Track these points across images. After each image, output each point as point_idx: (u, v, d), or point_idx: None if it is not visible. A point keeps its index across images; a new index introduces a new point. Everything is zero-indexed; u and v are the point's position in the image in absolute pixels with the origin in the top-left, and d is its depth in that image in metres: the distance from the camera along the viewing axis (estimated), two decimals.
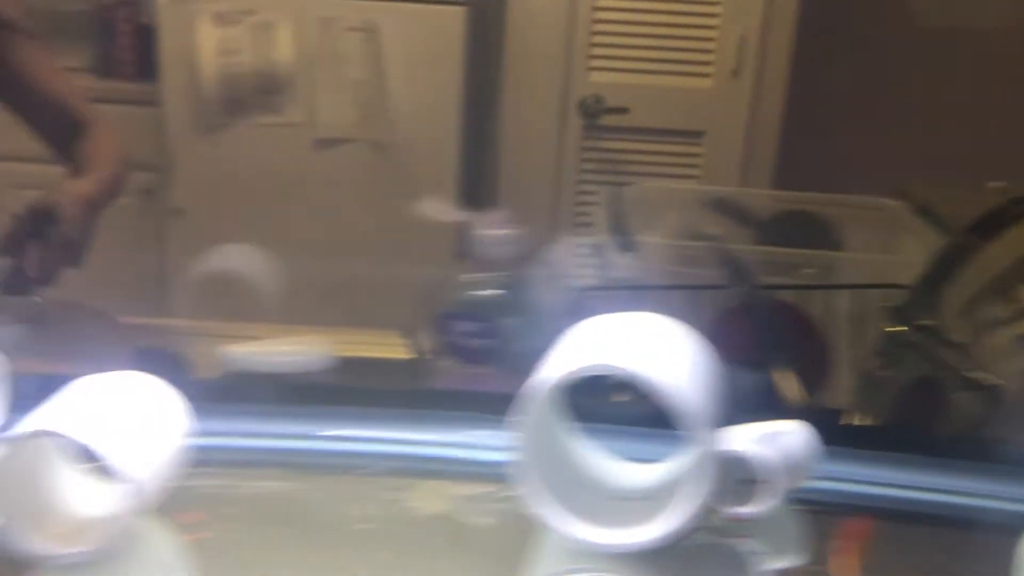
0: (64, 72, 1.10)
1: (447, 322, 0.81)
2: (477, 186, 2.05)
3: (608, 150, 2.06)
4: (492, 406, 0.59)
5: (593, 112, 2.03)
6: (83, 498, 0.54)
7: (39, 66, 1.00)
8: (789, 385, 0.87)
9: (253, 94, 1.96)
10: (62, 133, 1.01)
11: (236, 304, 0.97)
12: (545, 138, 2.05)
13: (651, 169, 2.03)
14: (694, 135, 2.06)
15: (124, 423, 0.52)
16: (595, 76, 2.03)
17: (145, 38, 1.97)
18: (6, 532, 0.48)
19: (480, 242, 0.82)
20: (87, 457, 0.51)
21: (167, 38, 1.92)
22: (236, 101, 1.96)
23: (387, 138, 1.99)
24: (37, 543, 0.49)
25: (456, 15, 1.93)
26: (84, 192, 0.94)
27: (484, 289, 0.81)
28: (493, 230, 0.82)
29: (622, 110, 2.02)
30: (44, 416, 0.50)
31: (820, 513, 0.61)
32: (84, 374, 0.54)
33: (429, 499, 0.63)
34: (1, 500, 0.49)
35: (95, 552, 0.50)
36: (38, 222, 0.76)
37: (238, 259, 1.05)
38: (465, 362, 0.81)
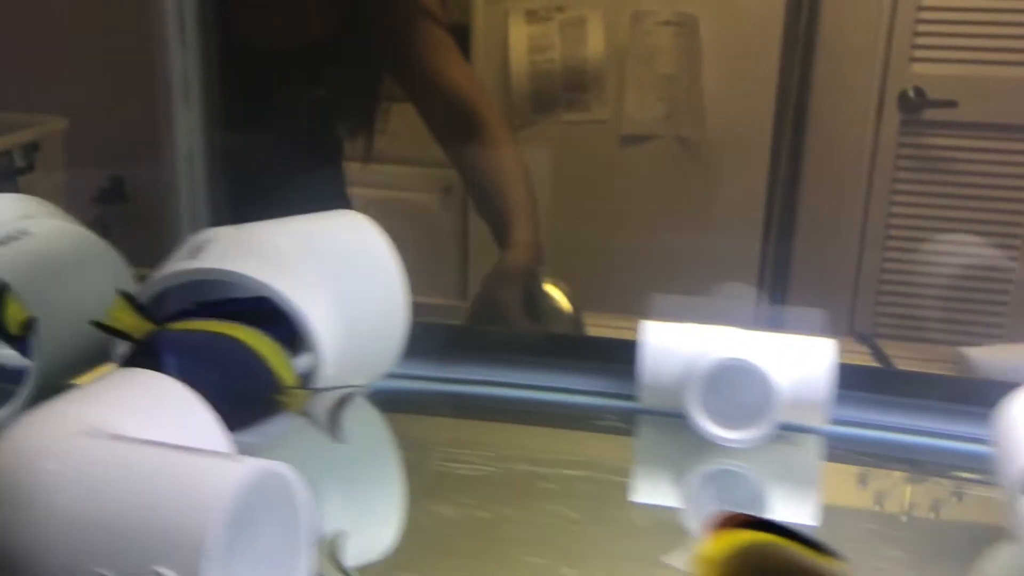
0: (467, 66, 1.11)
1: None
2: (785, 185, 1.97)
3: (930, 147, 1.93)
4: None
5: (915, 106, 1.90)
6: None
7: (445, 56, 1.01)
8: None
9: (562, 91, 1.97)
10: (455, 128, 1.02)
11: None
12: (859, 135, 1.94)
13: (977, 168, 1.90)
14: None
15: None
16: (917, 67, 1.90)
17: (458, 37, 2.01)
18: None
19: None
20: None
21: (481, 36, 1.96)
22: (545, 98, 1.97)
23: (697, 135, 1.94)
24: None
25: (776, 4, 1.85)
26: (531, 242, 0.94)
27: None
28: None
29: (949, 103, 1.89)
30: None
31: None
32: None
33: None
34: None
35: None
36: (518, 284, 0.72)
37: None
38: None
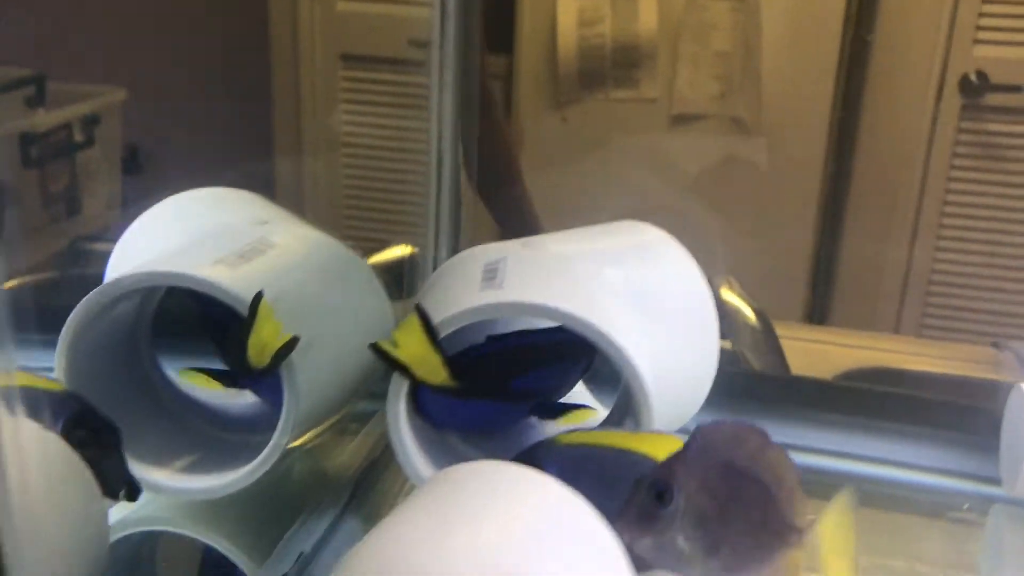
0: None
1: None
2: (838, 171, 1.89)
3: (991, 133, 1.86)
4: None
5: (977, 90, 1.83)
6: None
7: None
8: None
9: (612, 67, 1.84)
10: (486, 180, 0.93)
11: None
12: (917, 120, 1.87)
13: None
14: None
15: None
16: (980, 49, 1.83)
17: (504, 9, 1.87)
18: None
19: None
20: None
21: (527, 8, 1.83)
22: (593, 75, 1.85)
23: (752, 116, 1.84)
24: None
25: None
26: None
27: None
28: None
29: (1016, 88, 1.82)
30: None
31: None
32: None
33: None
34: None
35: None
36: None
37: None
38: None
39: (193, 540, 0.63)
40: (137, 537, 0.63)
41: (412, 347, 0.51)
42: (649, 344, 0.55)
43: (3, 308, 0.33)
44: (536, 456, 0.52)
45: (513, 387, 0.58)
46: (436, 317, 0.53)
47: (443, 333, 0.53)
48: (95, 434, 0.54)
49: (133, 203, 0.84)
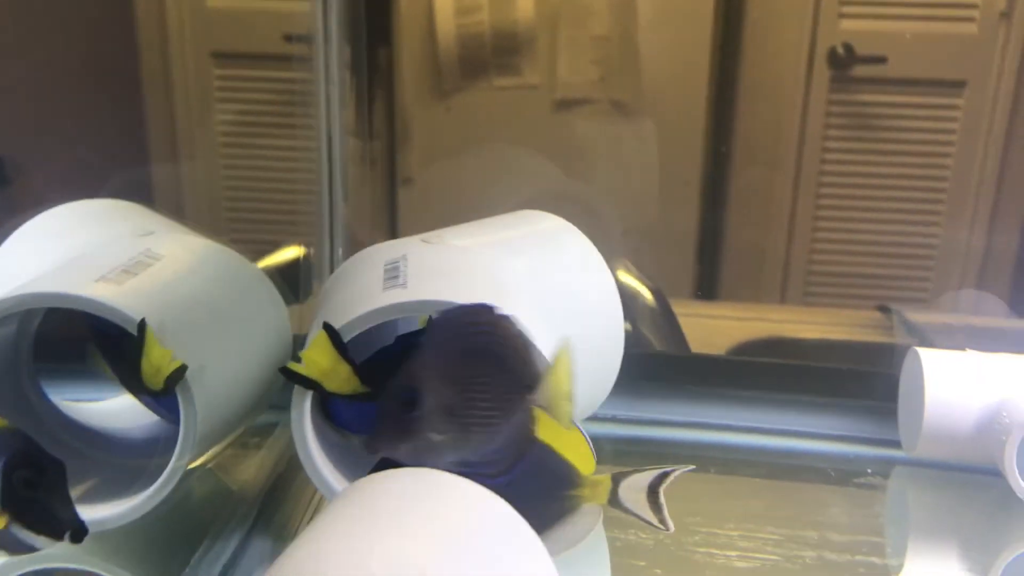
0: None
1: None
2: (718, 147, 1.93)
3: (860, 103, 1.92)
4: None
5: (844, 62, 1.89)
6: None
7: None
8: None
9: (492, 55, 1.84)
10: None
11: None
12: (790, 93, 1.92)
13: (906, 124, 1.91)
14: (955, 85, 1.92)
15: None
16: (846, 23, 1.88)
17: (379, 1, 1.84)
18: None
19: None
20: None
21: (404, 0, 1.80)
22: (475, 63, 1.84)
23: (632, 98, 1.86)
24: None
25: None
26: None
27: None
28: None
29: (879, 59, 1.88)
30: None
31: None
32: None
33: None
34: None
35: None
36: None
37: None
38: None
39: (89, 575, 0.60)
40: None
41: (320, 361, 0.50)
42: (556, 333, 0.54)
43: None
44: None
45: None
46: (340, 320, 0.52)
47: (348, 336, 0.52)
48: (40, 473, 0.51)
49: (2, 218, 0.80)
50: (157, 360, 0.53)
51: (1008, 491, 0.70)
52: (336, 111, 0.76)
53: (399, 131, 1.83)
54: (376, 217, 1.87)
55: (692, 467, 0.54)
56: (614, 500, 0.53)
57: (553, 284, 0.58)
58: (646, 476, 0.52)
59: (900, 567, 0.62)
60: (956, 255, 1.92)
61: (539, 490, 0.50)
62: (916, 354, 0.74)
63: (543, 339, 0.53)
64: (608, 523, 0.59)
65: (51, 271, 0.59)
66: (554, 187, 1.85)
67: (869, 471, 0.72)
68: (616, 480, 0.53)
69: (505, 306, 0.52)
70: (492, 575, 0.40)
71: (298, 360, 0.50)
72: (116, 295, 0.55)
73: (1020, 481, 0.70)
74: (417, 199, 1.84)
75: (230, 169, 1.32)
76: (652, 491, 0.49)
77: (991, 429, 0.72)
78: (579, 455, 0.52)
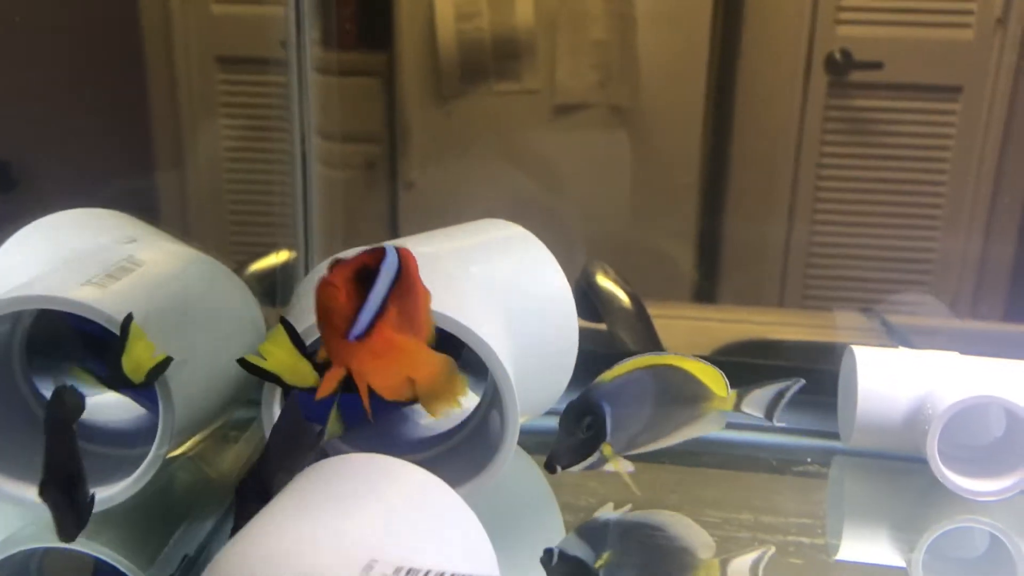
0: None
1: None
2: (716, 152, 1.95)
3: (857, 108, 1.94)
4: None
5: (841, 68, 1.91)
6: None
7: None
8: None
9: (493, 60, 1.87)
10: None
11: None
12: (788, 99, 1.94)
13: (902, 128, 1.93)
14: (951, 91, 1.94)
15: None
16: (843, 29, 1.91)
17: (380, 5, 1.88)
18: None
19: None
20: None
21: (404, 3, 1.84)
22: (475, 68, 1.87)
23: (631, 103, 1.89)
24: None
25: None
26: None
27: None
28: None
29: (875, 65, 1.90)
30: None
31: None
32: None
33: None
34: None
35: None
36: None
37: None
38: None
39: (78, 554, 0.64)
40: (20, 557, 0.63)
41: (280, 356, 0.53)
42: (512, 337, 0.58)
43: None
44: (590, 399, 0.59)
45: None
46: (304, 324, 0.55)
47: (312, 339, 0.55)
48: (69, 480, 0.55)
49: (9, 221, 0.83)
50: (140, 354, 0.57)
51: (933, 477, 0.75)
52: (310, 116, 0.79)
53: (400, 135, 1.86)
54: (378, 221, 1.90)
55: (802, 381, 0.69)
56: (737, 407, 0.70)
57: (511, 288, 0.62)
58: (765, 391, 0.70)
59: (837, 547, 0.68)
60: (952, 259, 1.94)
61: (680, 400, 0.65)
62: (852, 352, 0.80)
63: (498, 338, 0.56)
64: (565, 508, 0.64)
65: (41, 275, 0.63)
66: (553, 189, 1.88)
67: (809, 460, 0.78)
68: (740, 395, 0.70)
69: (462, 307, 0.55)
70: (433, 552, 0.43)
71: (259, 354, 0.54)
72: (100, 297, 0.59)
73: (942, 467, 0.76)
74: (418, 203, 1.87)
75: (228, 173, 1.36)
76: (774, 401, 0.61)
77: (917, 420, 0.78)
78: (713, 381, 0.69)
